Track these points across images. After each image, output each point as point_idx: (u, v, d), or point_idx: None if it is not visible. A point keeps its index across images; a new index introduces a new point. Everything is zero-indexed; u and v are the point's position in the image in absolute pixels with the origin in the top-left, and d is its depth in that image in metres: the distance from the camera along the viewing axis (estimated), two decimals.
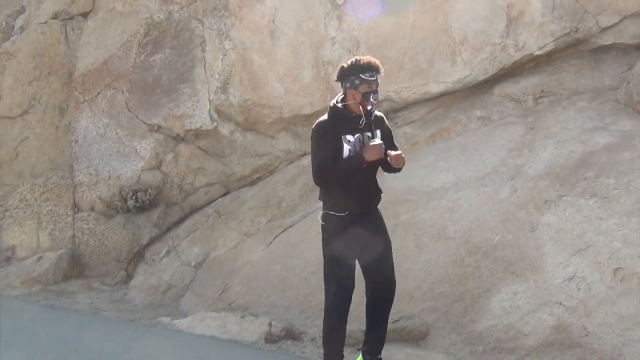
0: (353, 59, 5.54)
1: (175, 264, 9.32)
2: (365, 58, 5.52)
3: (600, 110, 7.91)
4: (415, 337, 6.42)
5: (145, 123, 9.92)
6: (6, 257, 10.22)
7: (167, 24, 10.04)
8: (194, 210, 9.96)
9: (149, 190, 9.66)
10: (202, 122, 9.72)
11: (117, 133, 9.99)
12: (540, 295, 6.07)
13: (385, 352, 5.87)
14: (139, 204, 9.64)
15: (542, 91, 8.59)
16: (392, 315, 6.48)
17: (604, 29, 8.45)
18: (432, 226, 7.32)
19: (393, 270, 5.79)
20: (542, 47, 8.59)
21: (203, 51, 9.80)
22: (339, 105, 5.58)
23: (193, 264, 9.22)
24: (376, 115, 5.67)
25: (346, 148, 5.47)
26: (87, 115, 10.18)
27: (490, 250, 6.68)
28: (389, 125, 5.87)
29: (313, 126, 5.61)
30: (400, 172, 5.81)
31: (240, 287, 8.19)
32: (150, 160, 9.84)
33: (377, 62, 5.53)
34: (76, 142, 10.16)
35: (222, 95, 9.60)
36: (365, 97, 5.44)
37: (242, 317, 7.34)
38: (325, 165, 5.42)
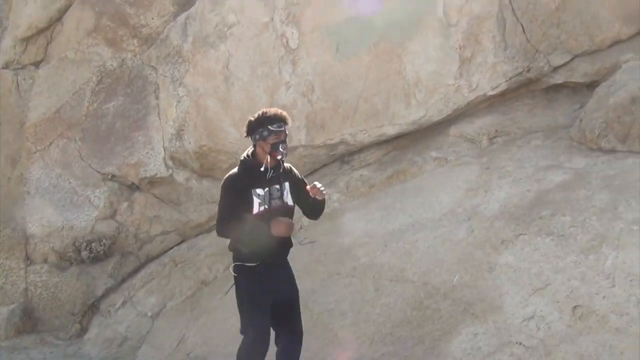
0: (260, 112, 5.69)
1: (131, 315, 9.14)
2: (272, 110, 5.70)
3: (554, 149, 7.94)
4: None
5: (98, 172, 9.79)
6: None
7: (120, 72, 9.98)
8: (150, 259, 9.81)
9: (104, 240, 9.50)
10: (157, 169, 9.62)
11: (70, 183, 9.85)
12: (500, 336, 6.01)
13: None
14: (93, 255, 9.46)
15: (496, 131, 8.63)
16: None
17: (556, 68, 8.55)
18: (390, 269, 7.26)
19: (301, 322, 5.97)
20: (495, 87, 8.65)
21: (157, 98, 9.74)
22: (250, 159, 5.70)
23: (150, 314, 9.05)
24: (284, 167, 5.78)
25: (256, 202, 5.58)
26: (39, 166, 10.03)
27: (449, 292, 6.62)
28: (298, 173, 5.98)
29: (224, 178, 5.72)
30: (320, 215, 6.02)
31: (198, 337, 8.04)
32: (104, 210, 9.69)
33: (284, 114, 5.70)
34: (28, 193, 9.99)
35: (177, 142, 9.52)
36: (273, 147, 5.58)
37: None
38: (229, 223, 5.57)
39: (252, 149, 5.73)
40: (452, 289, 6.64)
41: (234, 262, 5.75)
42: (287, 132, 5.67)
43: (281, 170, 5.73)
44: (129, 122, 9.81)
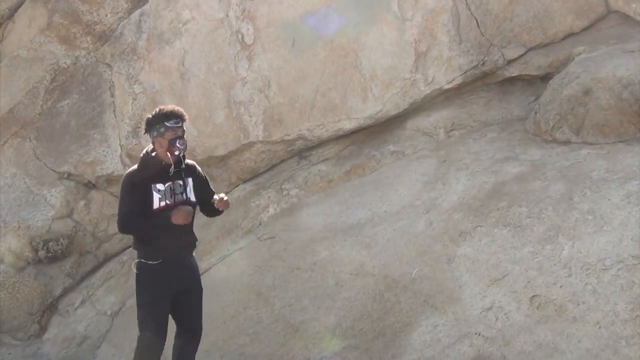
0: (157, 109, 5.79)
1: (90, 314, 9.06)
2: (169, 107, 5.81)
3: (510, 141, 8.03)
4: None
5: (54, 171, 9.66)
6: None
7: (74, 69, 9.87)
8: (108, 257, 9.71)
9: (61, 240, 9.38)
10: (114, 167, 9.53)
11: (25, 182, 9.71)
12: (460, 327, 6.07)
13: None
14: (50, 254, 9.33)
15: (453, 124, 8.71)
16: (314, 355, 6.44)
17: (510, 61, 8.64)
18: (350, 263, 7.28)
19: (201, 320, 6.06)
20: (451, 81, 8.72)
21: (112, 96, 9.65)
22: (150, 155, 5.76)
23: (109, 313, 8.98)
24: (187, 164, 5.92)
25: (156, 197, 5.64)
26: None
27: (409, 284, 6.66)
28: (201, 171, 6.12)
29: (123, 176, 5.80)
30: (221, 214, 6.10)
31: None
32: (61, 209, 9.57)
33: (181, 110, 5.79)
34: None
35: (134, 140, 9.44)
36: (171, 143, 5.65)
37: None
38: (129, 218, 5.60)
39: (152, 146, 5.79)
40: (411, 281, 6.69)
41: (136, 259, 5.78)
42: (184, 128, 5.74)
43: (183, 167, 5.82)
44: (84, 120, 9.70)
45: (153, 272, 5.67)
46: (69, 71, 9.89)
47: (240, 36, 9.13)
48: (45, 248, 9.33)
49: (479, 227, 6.84)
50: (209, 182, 6.20)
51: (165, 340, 5.76)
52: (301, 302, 7.10)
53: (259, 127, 9.09)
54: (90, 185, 9.73)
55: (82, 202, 9.67)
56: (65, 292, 9.43)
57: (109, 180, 9.60)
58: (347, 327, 6.67)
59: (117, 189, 9.45)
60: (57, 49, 9.94)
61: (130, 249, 9.47)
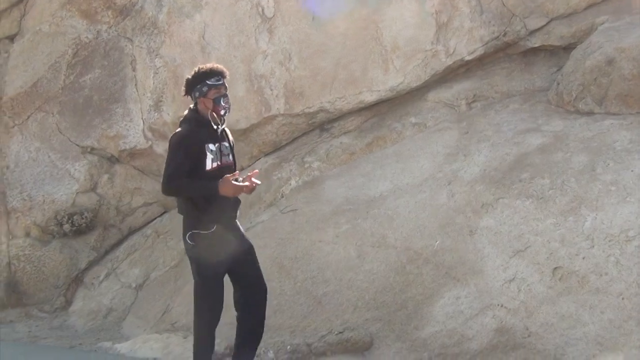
0: (196, 68, 5.60)
1: (115, 286, 9.15)
2: (208, 65, 5.61)
3: (532, 112, 7.99)
4: (360, 348, 6.36)
5: (78, 145, 9.73)
6: None
7: (96, 44, 9.89)
8: (132, 231, 9.80)
9: (85, 213, 9.46)
10: (137, 141, 9.58)
11: (49, 156, 9.78)
12: (482, 299, 6.08)
13: None
14: (75, 228, 9.42)
15: (474, 95, 8.68)
16: (336, 326, 6.47)
17: (532, 32, 8.58)
18: (372, 235, 7.30)
19: (262, 275, 5.88)
20: (473, 52, 8.68)
21: (134, 70, 9.67)
22: (198, 114, 5.56)
23: (134, 285, 9.06)
24: (226, 130, 5.72)
25: (209, 157, 5.45)
26: (18, 140, 9.95)
27: (431, 256, 6.68)
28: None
29: (173, 135, 5.56)
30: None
31: (182, 307, 8.05)
32: (84, 183, 9.65)
33: (221, 67, 5.60)
34: (8, 167, 9.91)
35: (156, 114, 9.47)
36: (216, 101, 5.48)
37: (184, 338, 7.22)
38: (176, 178, 5.35)
39: (194, 107, 5.59)
40: (433, 253, 6.70)
41: (188, 230, 5.53)
42: (226, 85, 5.57)
43: (225, 128, 5.67)
44: (107, 94, 9.74)
45: (208, 243, 5.48)
46: (90, 45, 9.92)
47: (260, 9, 9.12)
48: (70, 222, 9.42)
49: (501, 199, 6.83)
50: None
51: (223, 306, 5.70)
52: (323, 275, 7.12)
53: (280, 100, 9.10)
54: (113, 159, 9.79)
55: (105, 176, 9.73)
56: (90, 265, 9.53)
57: (132, 154, 9.65)
58: (369, 299, 6.69)
59: (140, 162, 9.59)
60: (78, 24, 9.97)
61: (154, 222, 9.59)
